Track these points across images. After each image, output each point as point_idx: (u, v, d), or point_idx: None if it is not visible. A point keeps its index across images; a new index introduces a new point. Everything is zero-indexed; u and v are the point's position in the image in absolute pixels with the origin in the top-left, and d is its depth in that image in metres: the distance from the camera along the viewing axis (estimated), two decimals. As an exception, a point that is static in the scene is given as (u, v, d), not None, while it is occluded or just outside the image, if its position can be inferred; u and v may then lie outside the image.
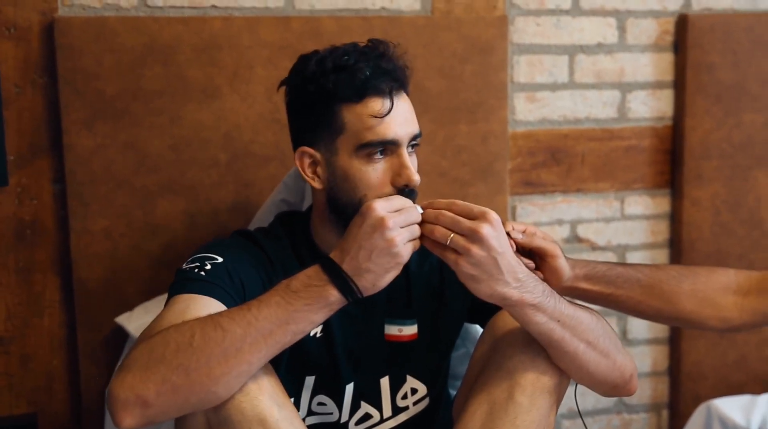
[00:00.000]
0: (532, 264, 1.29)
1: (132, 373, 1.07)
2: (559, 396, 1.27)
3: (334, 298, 1.11)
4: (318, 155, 1.31)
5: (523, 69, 2.00)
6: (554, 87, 2.03)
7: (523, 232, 1.32)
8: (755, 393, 2.18)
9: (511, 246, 1.28)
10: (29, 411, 1.78)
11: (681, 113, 2.10)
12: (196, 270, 1.25)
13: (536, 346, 1.23)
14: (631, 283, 1.40)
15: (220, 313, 1.11)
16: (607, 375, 1.26)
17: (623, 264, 1.46)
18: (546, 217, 2.07)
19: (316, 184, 1.32)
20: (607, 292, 1.39)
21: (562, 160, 2.06)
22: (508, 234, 1.27)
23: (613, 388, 1.29)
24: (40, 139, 1.73)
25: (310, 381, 1.36)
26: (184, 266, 1.27)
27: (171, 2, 1.76)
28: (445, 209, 1.14)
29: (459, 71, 1.90)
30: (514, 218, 2.05)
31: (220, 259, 1.27)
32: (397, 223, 1.10)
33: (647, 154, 2.12)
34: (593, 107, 2.07)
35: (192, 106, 1.75)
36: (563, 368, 1.24)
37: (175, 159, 1.75)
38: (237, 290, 1.25)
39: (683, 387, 2.20)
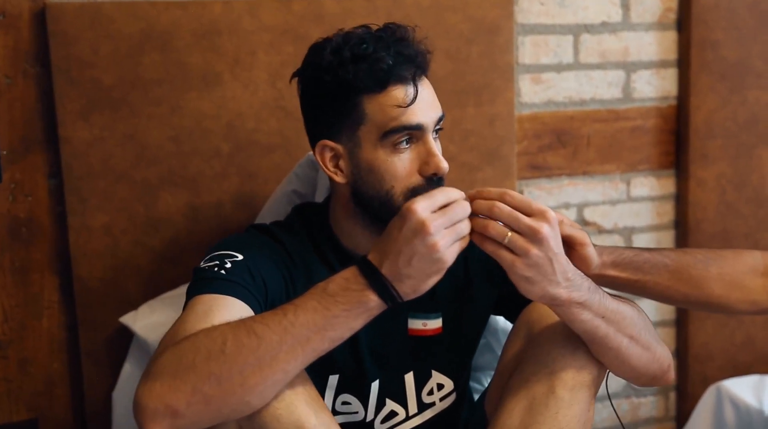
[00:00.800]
0: None
1: (161, 382, 1.01)
2: (597, 389, 1.24)
3: (374, 303, 1.04)
4: (340, 148, 1.24)
5: (528, 50, 1.96)
6: (559, 68, 1.99)
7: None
8: (763, 373, 2.18)
9: None
10: (30, 417, 1.71)
11: (685, 92, 2.07)
12: (216, 268, 1.19)
13: (576, 340, 1.19)
14: (659, 268, 1.37)
15: (253, 318, 1.05)
16: (648, 367, 1.23)
17: (649, 249, 1.43)
18: (553, 201, 2.03)
19: (339, 179, 1.26)
20: (635, 279, 1.36)
21: (568, 143, 2.02)
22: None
23: (652, 379, 1.26)
24: (34, 132, 1.64)
25: (333, 380, 1.31)
26: (202, 265, 1.21)
27: (167, -14, 1.68)
28: (497, 200, 1.06)
29: (465, 53, 1.84)
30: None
31: (240, 257, 1.21)
32: (441, 225, 1.02)
33: (652, 135, 2.09)
34: (598, 88, 2.03)
35: (192, 94, 1.68)
36: (605, 363, 1.21)
37: (176, 150, 1.68)
38: (259, 289, 1.20)
39: (691, 369, 2.18)
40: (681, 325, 2.18)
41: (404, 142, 1.21)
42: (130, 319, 1.65)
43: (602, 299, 1.15)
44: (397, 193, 1.21)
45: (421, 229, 1.01)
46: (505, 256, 1.06)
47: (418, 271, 1.03)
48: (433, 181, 1.21)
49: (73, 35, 1.60)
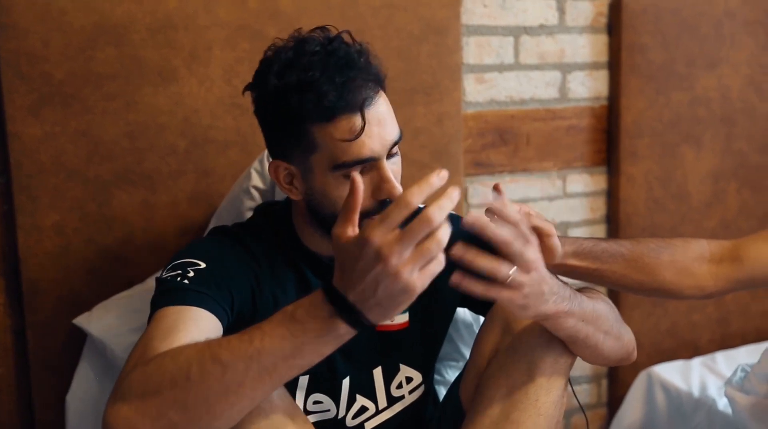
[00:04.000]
0: None
1: (128, 405, 0.98)
2: (569, 373, 1.30)
3: (343, 330, 0.95)
4: (293, 168, 1.22)
5: (472, 50, 2.01)
6: (501, 68, 2.05)
7: (517, 211, 1.32)
8: (685, 358, 2.31)
9: None
10: (-27, 426, 1.63)
11: (616, 93, 2.17)
12: (179, 278, 1.16)
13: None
14: (615, 257, 1.44)
15: (219, 343, 0.99)
16: (617, 354, 1.30)
17: (606, 239, 1.49)
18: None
19: (294, 196, 1.25)
20: (593, 268, 1.43)
21: (509, 141, 2.08)
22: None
23: (619, 361, 1.33)
24: (-20, 128, 1.58)
25: (304, 381, 1.31)
26: (164, 275, 1.18)
27: (120, -21, 1.64)
28: (483, 226, 0.99)
29: (415, 52, 1.88)
30: (466, 200, 2.06)
31: (203, 265, 1.19)
32: (401, 250, 0.90)
33: (586, 134, 2.18)
34: (537, 88, 2.10)
35: (147, 89, 1.64)
36: (581, 356, 1.27)
37: (131, 147, 1.64)
38: (224, 297, 1.18)
39: (621, 357, 2.28)
40: (612, 315, 2.28)
41: (356, 170, 1.17)
42: (84, 321, 1.59)
43: (581, 303, 1.18)
44: None
45: (380, 258, 0.91)
46: (503, 295, 1.04)
47: (385, 299, 0.93)
48: (386, 204, 1.17)
49: (23, 28, 1.54)
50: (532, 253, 1.04)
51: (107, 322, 1.59)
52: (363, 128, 1.15)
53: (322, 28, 1.22)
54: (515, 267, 1.03)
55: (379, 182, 1.18)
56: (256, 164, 1.62)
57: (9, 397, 1.66)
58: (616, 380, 2.30)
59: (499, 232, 1.00)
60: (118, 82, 1.62)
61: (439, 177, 0.91)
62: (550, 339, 1.25)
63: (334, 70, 1.15)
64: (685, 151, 2.26)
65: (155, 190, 1.67)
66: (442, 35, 1.90)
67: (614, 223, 2.23)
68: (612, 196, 2.23)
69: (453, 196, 0.91)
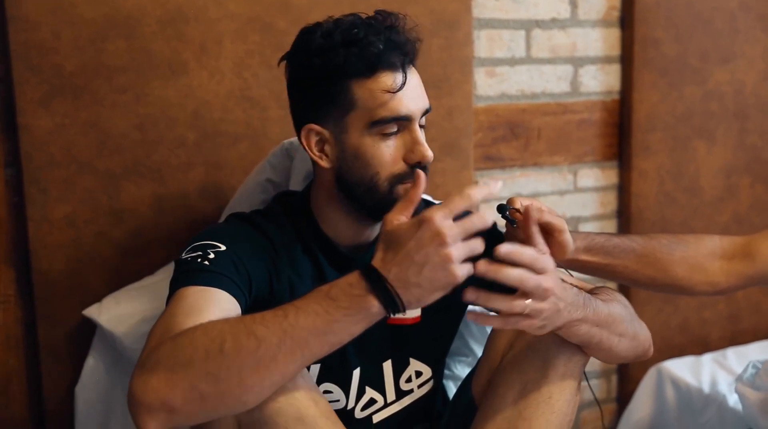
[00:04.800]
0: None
1: (157, 377, 0.99)
2: (583, 371, 1.29)
3: (375, 309, 1.01)
4: (326, 133, 1.25)
5: (483, 44, 2.00)
6: (512, 62, 2.04)
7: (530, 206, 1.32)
8: (696, 354, 2.30)
9: (520, 222, 1.28)
10: (-16, 417, 1.64)
11: (628, 87, 2.16)
12: (200, 259, 1.17)
13: None
14: (627, 253, 1.44)
15: (252, 318, 1.02)
16: (633, 353, 1.31)
17: (618, 235, 1.49)
18: (506, 192, 2.08)
19: (324, 163, 1.26)
20: (605, 263, 1.42)
21: (520, 135, 2.07)
22: (518, 211, 1.27)
23: (634, 359, 1.33)
24: (-9, 120, 1.58)
25: (315, 369, 1.31)
26: (185, 256, 1.19)
27: (130, -29, 1.64)
28: (503, 258, 1.04)
29: (426, 46, 1.84)
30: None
31: (223, 247, 1.20)
32: (457, 236, 0.99)
33: (597, 128, 2.17)
34: (548, 82, 2.09)
35: (158, 82, 1.64)
36: (595, 357, 1.28)
37: (141, 139, 1.64)
38: (243, 280, 1.19)
39: (631, 352, 2.27)
40: (622, 310, 2.27)
41: (392, 130, 1.22)
42: (94, 312, 1.60)
43: (596, 309, 1.19)
44: (381, 179, 1.23)
45: (437, 238, 0.98)
46: (523, 325, 1.09)
47: (427, 281, 1.00)
48: (418, 167, 1.23)
49: (34, 20, 1.54)
50: (548, 281, 1.07)
51: (117, 313, 1.59)
52: (404, 83, 1.21)
53: (355, 14, 1.27)
54: (530, 300, 1.06)
55: (412, 145, 1.22)
56: (270, 157, 1.61)
57: (20, 388, 1.67)
58: (626, 376, 2.29)
59: (512, 273, 1.04)
60: (129, 75, 1.62)
61: (497, 187, 1.02)
62: (564, 338, 1.25)
63: (379, 30, 1.21)
64: (697, 145, 2.25)
65: (165, 182, 1.67)
66: (453, 29, 1.89)
67: (625, 218, 2.22)
68: (623, 190, 2.22)
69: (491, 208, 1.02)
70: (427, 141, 1.88)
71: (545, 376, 1.24)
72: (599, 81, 2.15)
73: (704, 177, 2.27)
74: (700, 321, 2.34)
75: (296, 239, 1.30)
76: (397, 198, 1.22)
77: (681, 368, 2.18)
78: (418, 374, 1.41)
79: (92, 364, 1.61)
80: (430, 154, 1.23)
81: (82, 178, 1.61)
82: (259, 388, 1.02)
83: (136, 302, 1.60)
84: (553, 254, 1.28)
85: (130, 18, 1.61)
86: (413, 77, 1.24)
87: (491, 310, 1.15)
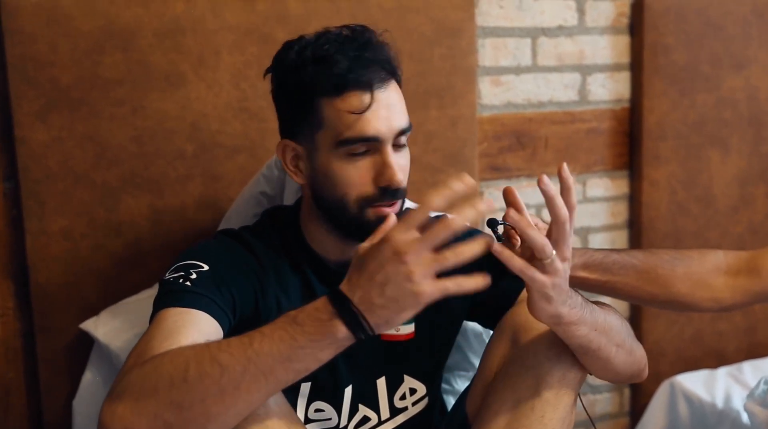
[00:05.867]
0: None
1: (123, 404, 0.98)
2: (579, 389, 1.26)
3: (342, 334, 0.95)
4: (300, 149, 1.23)
5: (488, 52, 1.98)
6: (518, 70, 2.01)
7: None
8: (711, 367, 2.24)
9: (516, 241, 1.25)
10: (-17, 429, 1.64)
11: (638, 95, 2.12)
12: (181, 280, 1.16)
13: (561, 344, 1.21)
14: (627, 269, 1.40)
15: (218, 345, 0.99)
16: (629, 369, 1.27)
17: (617, 250, 1.46)
18: (512, 202, 2.05)
19: (299, 179, 1.26)
20: (604, 280, 1.39)
21: (527, 144, 2.04)
22: (513, 228, 1.24)
23: (630, 378, 1.30)
24: (-12, 134, 1.59)
25: (306, 388, 1.29)
26: (168, 276, 1.18)
27: (127, -18, 1.64)
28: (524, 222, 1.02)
29: (428, 55, 1.85)
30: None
31: (206, 267, 1.18)
32: (419, 250, 0.92)
33: (606, 137, 2.13)
34: (555, 90, 2.06)
35: (155, 94, 1.64)
36: (592, 370, 1.23)
37: (138, 151, 1.64)
38: (226, 300, 1.17)
39: (644, 365, 2.23)
40: (634, 323, 2.22)
41: (360, 152, 1.18)
42: (91, 326, 1.60)
43: (593, 312, 1.16)
44: (350, 200, 1.20)
45: (395, 256, 0.92)
46: (537, 277, 1.04)
47: (391, 301, 0.94)
48: (387, 192, 1.19)
49: (30, 33, 1.55)
50: (569, 246, 1.05)
51: (113, 326, 1.59)
52: (370, 104, 1.16)
53: (345, 26, 1.24)
54: (555, 251, 1.04)
55: (381, 167, 1.18)
56: (264, 170, 1.60)
57: (18, 401, 1.67)
58: (639, 389, 2.25)
59: (536, 231, 1.03)
60: (126, 87, 1.61)
61: (462, 182, 0.92)
62: (559, 353, 1.21)
63: (350, 48, 1.18)
64: (710, 153, 2.20)
65: (163, 195, 1.66)
66: (456, 37, 1.87)
67: (636, 228, 2.18)
68: (634, 200, 2.18)
69: (478, 206, 0.92)
70: (430, 152, 1.88)
71: (538, 393, 1.21)
72: (608, 89, 2.11)
73: (718, 186, 2.22)
74: (716, 333, 2.28)
75: (284, 255, 1.29)
76: (369, 220, 1.19)
77: (694, 382, 2.13)
78: (413, 391, 1.38)
79: (90, 378, 1.61)
80: (399, 178, 1.18)
81: (79, 190, 1.61)
82: (224, 417, 0.99)
83: (132, 316, 1.59)
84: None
85: (127, 30, 1.60)
86: (387, 96, 1.19)
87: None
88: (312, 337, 0.96)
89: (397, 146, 1.21)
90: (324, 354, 0.98)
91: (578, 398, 1.29)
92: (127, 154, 1.63)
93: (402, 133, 1.21)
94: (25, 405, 1.67)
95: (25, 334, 1.65)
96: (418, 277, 0.92)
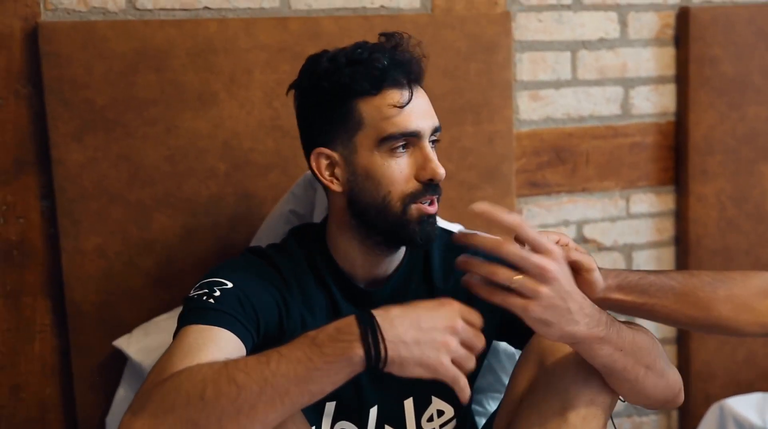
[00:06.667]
0: None
1: (141, 421, 0.98)
2: (608, 416, 1.22)
3: (358, 358, 0.97)
4: (336, 155, 1.23)
5: (526, 66, 1.94)
6: (557, 84, 1.97)
7: (557, 242, 1.26)
8: (765, 390, 2.15)
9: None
10: (22, 444, 1.67)
11: (684, 108, 2.06)
12: (205, 297, 1.16)
13: (589, 367, 1.17)
14: (665, 291, 1.35)
15: (236, 364, 1.00)
16: (661, 393, 1.22)
17: (655, 272, 1.40)
18: (552, 219, 2.01)
19: (335, 187, 1.25)
20: (641, 302, 1.34)
21: (567, 160, 2.00)
22: None
23: (664, 403, 1.25)
24: (26, 154, 1.62)
25: (330, 407, 1.28)
26: (192, 293, 1.18)
27: (161, 4, 1.66)
28: (503, 238, 1.02)
29: (463, 71, 1.83)
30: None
31: (230, 285, 1.18)
32: (463, 335, 1.00)
33: (651, 151, 2.07)
34: (597, 104, 2.01)
35: (188, 114, 1.65)
36: (620, 393, 1.19)
37: (171, 171, 1.65)
38: (249, 318, 1.17)
39: (693, 387, 2.15)
40: (682, 342, 2.15)
41: (401, 148, 1.21)
42: (123, 343, 1.61)
43: (620, 331, 1.12)
44: (394, 198, 1.21)
45: (449, 324, 0.99)
46: (515, 303, 1.02)
47: (416, 350, 0.97)
48: (430, 186, 1.21)
49: (66, 55, 1.58)
50: (550, 263, 1.02)
51: (145, 344, 1.60)
52: (411, 99, 1.20)
53: (363, 41, 1.27)
54: (521, 275, 1.01)
55: (423, 162, 1.21)
56: (294, 188, 1.60)
57: (55, 416, 1.69)
58: (687, 412, 2.17)
59: (511, 247, 1.01)
60: (159, 107, 1.63)
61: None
62: (587, 376, 1.18)
63: (383, 50, 1.22)
64: (763, 168, 2.12)
65: (195, 213, 1.67)
66: (492, 52, 1.84)
67: (683, 245, 2.11)
68: (681, 216, 2.11)
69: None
70: (466, 168, 1.85)
71: (564, 418, 1.17)
72: (652, 102, 2.05)
73: (771, 202, 2.14)
74: (770, 355, 2.20)
75: (310, 273, 1.28)
76: (410, 219, 1.21)
77: (745, 406, 2.04)
78: (440, 413, 1.36)
79: (123, 395, 1.62)
80: (441, 170, 1.21)
81: (113, 209, 1.63)
82: None
83: (164, 333, 1.60)
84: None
85: (160, 51, 1.62)
86: (420, 95, 1.24)
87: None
88: (328, 359, 0.97)
89: (432, 143, 1.24)
90: (339, 377, 0.98)
91: (611, 423, 1.24)
92: (161, 173, 1.65)
93: (437, 130, 1.24)
94: (62, 421, 1.70)
95: (62, 350, 1.68)
96: (452, 350, 0.99)
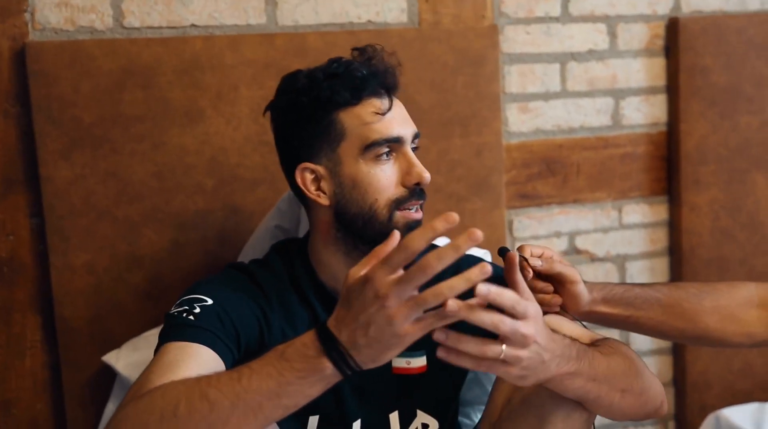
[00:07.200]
0: (550, 287, 1.23)
1: None
2: (589, 427, 1.21)
3: (329, 371, 0.94)
4: (321, 169, 1.25)
5: (514, 79, 1.95)
6: (546, 96, 1.98)
7: (540, 256, 1.26)
8: (762, 400, 2.14)
9: (528, 272, 1.23)
10: (14, 460, 1.69)
11: (675, 118, 2.06)
12: (185, 314, 1.17)
13: None
14: (651, 303, 1.35)
15: (208, 380, 1.00)
16: (640, 411, 1.21)
17: (641, 284, 1.40)
18: (543, 230, 2.01)
19: (323, 201, 1.26)
20: (627, 315, 1.34)
21: (558, 171, 2.00)
22: (526, 260, 1.22)
23: (645, 416, 1.24)
24: (15, 172, 1.63)
25: (314, 421, 1.28)
26: (173, 310, 1.20)
27: (148, 22, 1.68)
28: (481, 300, 0.92)
29: (450, 84, 1.83)
30: (511, 232, 1.99)
31: (210, 301, 1.19)
32: (400, 293, 0.90)
33: (643, 161, 2.07)
34: (587, 115, 2.01)
35: (175, 130, 1.66)
36: (597, 413, 1.19)
37: (159, 186, 1.67)
38: (228, 334, 1.17)
39: (689, 397, 2.14)
40: (678, 353, 2.15)
41: (385, 155, 1.23)
42: (112, 358, 1.62)
43: (592, 361, 1.10)
44: (381, 205, 1.22)
45: (378, 299, 0.91)
46: (497, 370, 0.98)
47: (375, 341, 0.93)
48: (416, 191, 1.23)
49: (54, 74, 1.60)
50: (528, 327, 0.96)
51: (134, 359, 1.61)
52: (391, 106, 1.24)
53: (338, 57, 1.31)
54: (504, 345, 0.96)
55: (408, 167, 1.23)
56: (279, 203, 1.61)
57: (47, 431, 1.71)
58: (684, 422, 2.16)
59: (485, 316, 0.93)
60: (146, 124, 1.65)
61: (446, 221, 0.89)
62: None
63: (360, 61, 1.26)
64: (756, 177, 2.11)
65: (184, 228, 1.68)
66: (479, 65, 1.85)
67: (677, 255, 2.10)
68: (674, 226, 2.10)
69: (461, 247, 0.88)
70: (454, 180, 1.86)
71: None
72: (643, 113, 2.05)
73: (765, 211, 2.12)
74: (767, 364, 2.18)
75: (292, 288, 1.29)
76: (396, 226, 1.21)
77: (741, 416, 2.02)
78: (425, 426, 1.36)
79: (111, 409, 1.63)
80: (427, 174, 1.23)
81: (101, 226, 1.65)
82: None
83: (153, 348, 1.60)
84: (566, 306, 1.22)
85: (147, 68, 1.64)
86: (397, 104, 1.27)
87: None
88: (299, 375, 0.95)
89: (413, 151, 1.27)
90: (313, 390, 0.97)
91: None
92: (148, 189, 1.66)
93: (416, 136, 1.28)
94: (53, 435, 1.71)
95: (52, 366, 1.69)
96: (400, 320, 0.91)
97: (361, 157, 1.22)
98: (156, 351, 1.14)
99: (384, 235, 1.17)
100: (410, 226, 1.23)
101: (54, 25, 1.63)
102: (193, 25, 1.70)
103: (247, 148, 1.70)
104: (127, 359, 1.61)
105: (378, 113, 1.22)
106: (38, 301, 1.67)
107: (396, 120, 1.24)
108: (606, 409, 1.17)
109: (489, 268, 0.89)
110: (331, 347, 0.94)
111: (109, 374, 1.65)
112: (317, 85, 1.23)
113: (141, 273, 1.67)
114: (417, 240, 0.90)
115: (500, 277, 1.06)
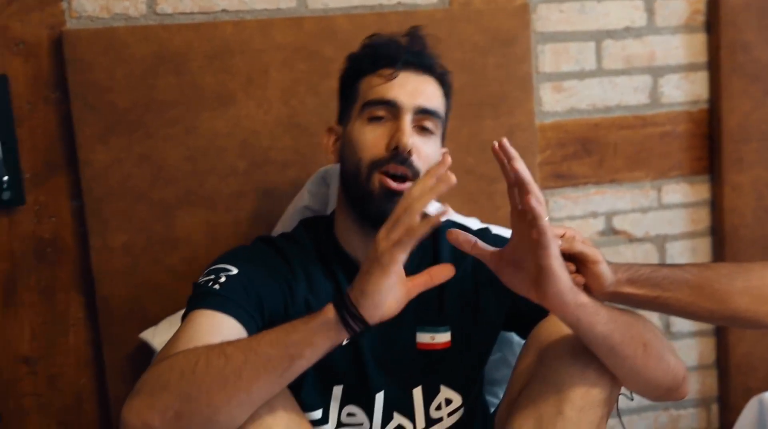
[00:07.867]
0: (572, 267, 1.22)
1: (140, 399, 1.06)
2: (609, 408, 1.22)
3: (331, 315, 1.05)
4: (339, 128, 1.35)
5: (548, 58, 1.93)
6: (582, 75, 1.95)
7: (562, 236, 1.25)
8: (808, 384, 2.09)
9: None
10: (59, 431, 1.76)
11: (717, 96, 2.01)
12: (210, 283, 1.21)
13: (585, 358, 1.17)
14: (679, 284, 1.32)
15: (230, 342, 1.08)
16: (662, 379, 1.20)
17: (669, 265, 1.38)
18: (579, 211, 1.99)
19: (332, 157, 1.36)
20: (653, 295, 1.31)
21: (594, 151, 1.98)
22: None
23: (667, 392, 1.23)
24: (55, 156, 1.70)
25: (338, 391, 1.31)
26: (200, 279, 1.24)
27: (180, 8, 1.72)
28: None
29: (481, 64, 1.83)
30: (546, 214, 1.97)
31: (235, 271, 1.23)
32: (388, 229, 1.03)
33: (683, 140, 2.03)
34: (624, 94, 1.98)
35: (207, 114, 1.70)
36: (619, 375, 1.19)
37: (192, 169, 1.71)
38: (252, 303, 1.21)
39: (733, 380, 2.10)
40: (721, 335, 2.11)
41: (379, 118, 1.27)
42: (149, 335, 1.68)
43: (610, 311, 1.15)
44: (363, 165, 1.26)
45: (374, 246, 1.04)
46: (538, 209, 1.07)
47: (371, 283, 1.03)
48: (396, 156, 1.24)
49: (89, 61, 1.65)
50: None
51: (170, 336, 1.65)
52: (396, 76, 1.28)
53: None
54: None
55: (395, 132, 1.26)
56: (308, 185, 1.64)
57: (90, 406, 1.78)
58: (728, 405, 2.12)
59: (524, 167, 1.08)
60: (179, 109, 1.69)
61: (443, 164, 1.02)
62: (583, 367, 1.18)
63: (394, 37, 1.33)
64: (802, 155, 2.05)
65: (217, 210, 1.72)
66: (510, 45, 1.83)
67: (719, 235, 2.06)
68: (716, 206, 2.06)
69: (440, 175, 1.00)
70: (485, 162, 1.85)
71: (560, 411, 1.17)
72: (683, 90, 2.01)
73: (811, 190, 2.06)
74: (814, 347, 2.13)
75: (317, 261, 1.32)
76: (373, 189, 1.25)
77: (785, 400, 1.98)
78: (448, 402, 1.37)
79: (150, 385, 1.68)
80: (406, 140, 1.24)
81: (138, 208, 1.70)
82: (227, 408, 1.04)
83: (188, 326, 1.66)
84: (588, 286, 1.21)
85: (179, 54, 1.68)
86: (417, 80, 1.30)
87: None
88: (304, 320, 1.05)
89: (420, 128, 1.28)
90: (318, 338, 1.04)
91: (615, 416, 1.23)
92: (182, 172, 1.71)
93: (425, 112, 1.28)
94: (96, 409, 1.78)
95: (94, 342, 1.76)
96: (383, 246, 1.02)
97: (359, 117, 1.29)
98: (183, 317, 1.20)
99: (365, 198, 1.26)
100: (386, 194, 1.24)
101: (90, 13, 1.68)
102: (224, 10, 1.74)
103: (278, 130, 1.73)
104: (163, 336, 1.66)
105: (382, 77, 1.28)
106: (80, 281, 1.74)
107: (402, 88, 1.27)
108: (630, 363, 1.16)
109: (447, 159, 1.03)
110: (339, 298, 1.05)
111: (147, 351, 1.70)
112: (354, 59, 1.34)
113: (176, 254, 1.72)
114: (414, 187, 1.02)
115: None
